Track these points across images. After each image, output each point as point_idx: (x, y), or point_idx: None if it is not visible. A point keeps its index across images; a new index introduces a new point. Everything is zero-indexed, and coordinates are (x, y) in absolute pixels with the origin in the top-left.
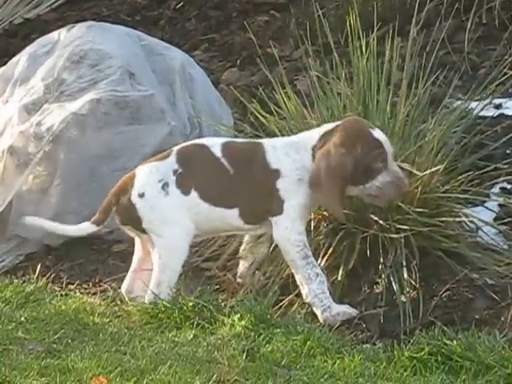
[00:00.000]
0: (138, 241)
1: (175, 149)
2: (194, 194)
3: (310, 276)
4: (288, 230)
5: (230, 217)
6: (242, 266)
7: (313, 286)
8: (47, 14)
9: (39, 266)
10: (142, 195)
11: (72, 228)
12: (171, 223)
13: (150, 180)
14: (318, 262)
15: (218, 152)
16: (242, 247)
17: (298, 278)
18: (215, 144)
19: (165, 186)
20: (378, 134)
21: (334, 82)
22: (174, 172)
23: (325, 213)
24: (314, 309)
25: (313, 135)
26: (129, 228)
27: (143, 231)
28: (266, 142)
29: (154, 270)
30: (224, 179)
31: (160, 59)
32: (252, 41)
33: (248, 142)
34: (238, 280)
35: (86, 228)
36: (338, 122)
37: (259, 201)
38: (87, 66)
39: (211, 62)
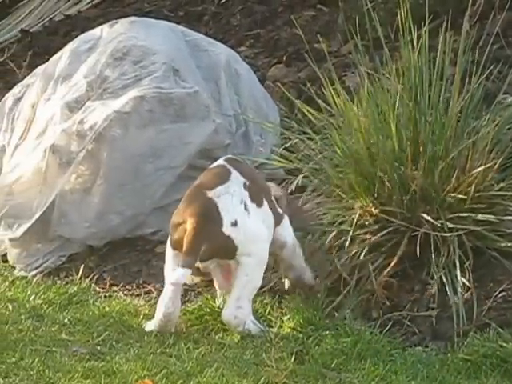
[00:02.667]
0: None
1: (223, 162)
2: (265, 204)
3: None
4: None
5: None
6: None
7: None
8: (88, 10)
9: (82, 267)
10: (235, 223)
11: (172, 276)
12: (258, 240)
13: (235, 204)
14: (364, 259)
15: None
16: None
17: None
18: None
19: (245, 205)
20: None
21: (384, 78)
22: (245, 186)
23: (372, 209)
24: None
25: None
26: (213, 261)
27: (231, 258)
28: None
29: (236, 285)
30: None
31: (205, 55)
32: (298, 36)
33: None
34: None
35: (183, 274)
36: None
37: None
38: (130, 62)
39: (256, 58)
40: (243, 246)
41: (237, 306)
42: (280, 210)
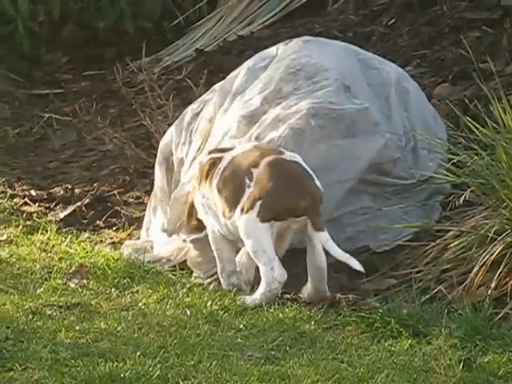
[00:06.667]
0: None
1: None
2: None
3: None
4: None
5: None
6: None
7: None
8: (260, 30)
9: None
10: None
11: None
12: None
13: None
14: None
15: None
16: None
17: None
18: None
19: None
20: None
21: None
22: None
23: None
24: None
25: None
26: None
27: None
28: None
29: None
30: None
31: (376, 73)
32: (464, 56)
33: None
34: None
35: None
36: None
37: None
38: (303, 77)
39: (423, 77)
40: None
41: None
42: None
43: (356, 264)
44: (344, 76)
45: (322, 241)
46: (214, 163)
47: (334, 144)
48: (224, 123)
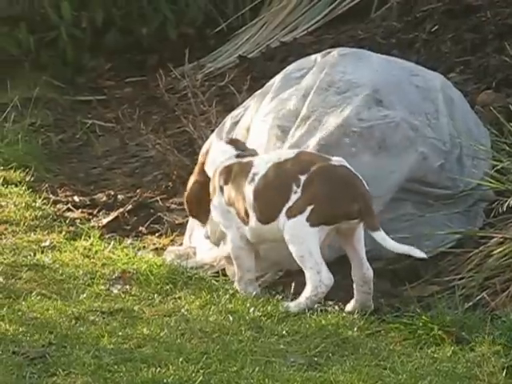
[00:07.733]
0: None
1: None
2: None
3: None
4: None
5: None
6: None
7: None
8: (303, 37)
9: (293, 284)
10: None
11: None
12: None
13: None
14: None
15: None
16: None
17: None
18: None
19: None
20: None
21: None
22: None
23: None
24: None
25: None
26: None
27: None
28: None
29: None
30: None
31: (420, 79)
32: (507, 63)
33: None
34: None
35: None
36: None
37: None
38: (334, 93)
39: (466, 84)
40: None
41: None
42: None
43: (419, 253)
44: (378, 90)
45: (380, 239)
46: (240, 168)
47: (367, 159)
48: (258, 133)
